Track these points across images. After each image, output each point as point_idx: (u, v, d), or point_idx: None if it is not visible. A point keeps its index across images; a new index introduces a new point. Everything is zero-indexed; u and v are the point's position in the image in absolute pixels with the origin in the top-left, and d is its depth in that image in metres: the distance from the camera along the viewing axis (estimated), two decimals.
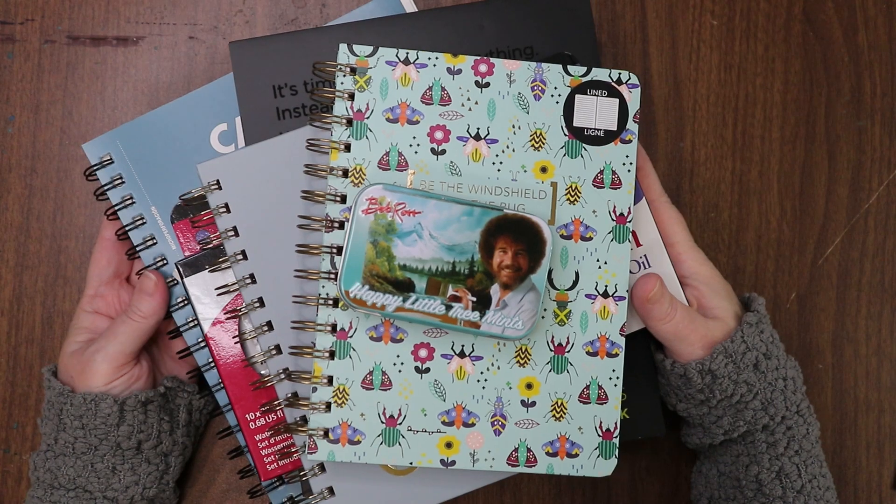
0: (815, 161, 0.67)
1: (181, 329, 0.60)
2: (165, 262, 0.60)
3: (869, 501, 0.65)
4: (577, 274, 0.54)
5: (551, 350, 0.53)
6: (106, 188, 0.60)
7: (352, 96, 0.53)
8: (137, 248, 0.60)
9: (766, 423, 0.56)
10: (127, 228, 0.60)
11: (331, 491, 0.54)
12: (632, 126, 0.54)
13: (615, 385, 0.54)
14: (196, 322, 0.58)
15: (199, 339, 0.59)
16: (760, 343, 0.56)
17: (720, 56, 0.67)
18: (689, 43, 0.67)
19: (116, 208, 0.60)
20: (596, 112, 0.54)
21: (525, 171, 0.54)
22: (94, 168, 0.60)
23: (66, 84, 0.66)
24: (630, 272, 0.58)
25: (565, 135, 0.54)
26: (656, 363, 0.58)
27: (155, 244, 0.60)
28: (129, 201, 0.60)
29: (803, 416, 0.57)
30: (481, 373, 0.53)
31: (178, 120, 0.61)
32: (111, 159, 0.60)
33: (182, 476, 0.63)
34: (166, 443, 0.59)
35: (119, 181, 0.60)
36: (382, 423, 0.52)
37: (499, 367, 0.53)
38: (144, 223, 0.60)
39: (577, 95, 0.54)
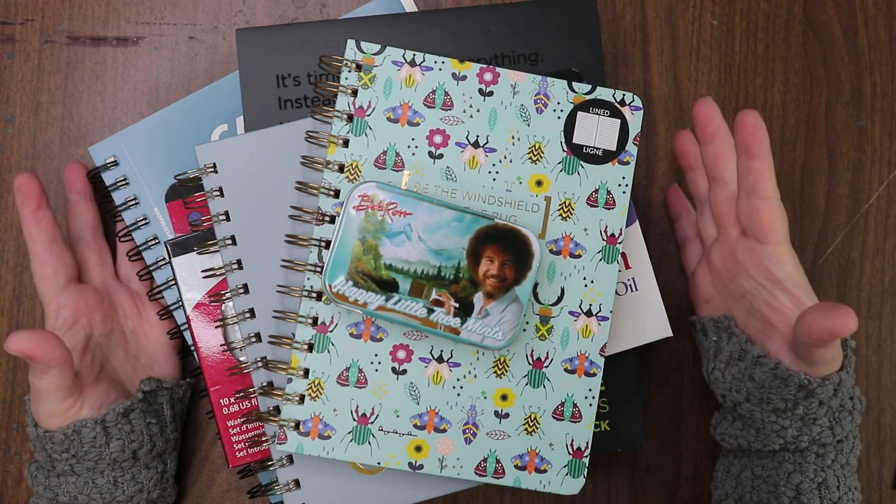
0: (815, 161, 0.67)
1: (170, 309, 0.60)
2: (167, 262, 0.60)
3: (869, 501, 0.65)
4: (562, 290, 0.54)
5: (530, 364, 0.53)
6: (110, 190, 0.61)
7: (355, 92, 0.54)
8: (139, 248, 0.61)
9: (828, 441, 0.54)
10: (130, 229, 0.61)
11: (297, 483, 0.54)
12: (631, 148, 0.54)
13: (590, 405, 0.54)
14: (180, 303, 0.58)
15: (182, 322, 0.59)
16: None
17: (720, 56, 0.67)
18: (689, 43, 0.67)
19: (120, 209, 0.61)
20: (596, 131, 0.54)
21: (520, 182, 0.54)
22: (98, 170, 0.61)
23: (66, 84, 0.66)
24: (617, 293, 0.58)
25: (564, 150, 0.54)
26: (747, 355, 0.55)
27: (157, 244, 0.61)
28: (133, 202, 0.61)
29: (853, 432, 0.55)
30: (458, 380, 0.53)
31: (181, 121, 0.61)
32: (115, 161, 0.61)
33: (182, 476, 0.63)
34: (159, 444, 0.58)
35: (123, 182, 0.61)
36: (354, 420, 0.52)
37: (475, 376, 0.53)
38: (147, 224, 0.61)
39: (579, 112, 0.54)
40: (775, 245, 0.54)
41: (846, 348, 0.54)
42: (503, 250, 0.52)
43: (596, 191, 0.54)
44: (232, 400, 0.57)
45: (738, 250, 0.56)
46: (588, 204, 0.54)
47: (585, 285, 0.54)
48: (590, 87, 0.55)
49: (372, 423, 0.52)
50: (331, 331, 0.52)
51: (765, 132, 0.53)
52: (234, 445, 0.57)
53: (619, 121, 0.55)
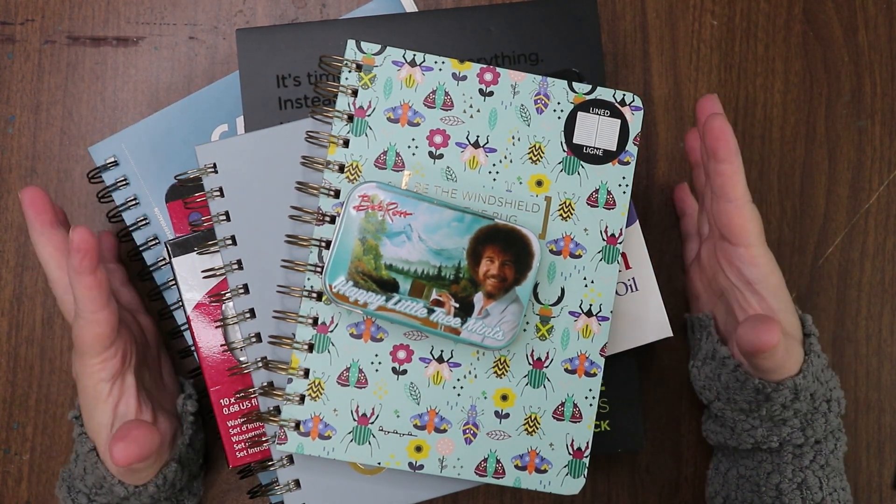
0: (815, 161, 0.67)
1: (171, 309, 0.60)
2: (167, 262, 0.60)
3: (869, 501, 0.65)
4: (562, 290, 0.54)
5: (530, 364, 0.53)
6: (110, 190, 0.61)
7: (355, 93, 0.54)
8: (140, 248, 0.61)
9: (801, 442, 0.54)
10: (130, 229, 0.61)
11: (297, 483, 0.54)
12: (631, 148, 0.55)
13: (590, 405, 0.54)
14: (180, 303, 0.58)
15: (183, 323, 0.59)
16: (820, 370, 0.54)
17: (720, 56, 0.67)
18: (689, 43, 0.67)
19: (120, 209, 0.61)
20: (597, 131, 0.54)
21: (521, 182, 0.54)
22: (98, 170, 0.61)
23: (66, 84, 0.65)
24: (617, 293, 0.58)
25: (564, 151, 0.54)
26: (717, 355, 0.55)
27: (157, 244, 0.61)
28: (133, 202, 0.61)
29: (834, 433, 0.56)
30: (458, 380, 0.53)
31: (181, 121, 0.61)
32: (115, 161, 0.61)
33: None
34: (201, 450, 0.59)
35: (123, 182, 0.61)
36: (354, 420, 0.52)
37: (476, 376, 0.53)
38: (147, 224, 0.61)
39: (579, 112, 0.54)
40: (747, 247, 0.54)
41: (809, 352, 0.54)
42: (503, 250, 0.52)
43: (596, 191, 0.54)
44: (232, 400, 0.57)
45: (717, 249, 0.56)
46: (588, 204, 0.54)
47: (586, 285, 0.54)
48: (590, 87, 0.55)
49: (372, 423, 0.52)
50: (331, 331, 0.52)
51: (731, 135, 0.52)
52: (235, 445, 0.57)
53: (619, 121, 0.55)
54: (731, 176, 0.53)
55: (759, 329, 0.49)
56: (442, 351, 0.53)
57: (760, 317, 0.50)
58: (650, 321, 0.58)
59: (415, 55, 0.54)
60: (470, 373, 0.53)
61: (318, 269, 0.52)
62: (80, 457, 0.54)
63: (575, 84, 0.55)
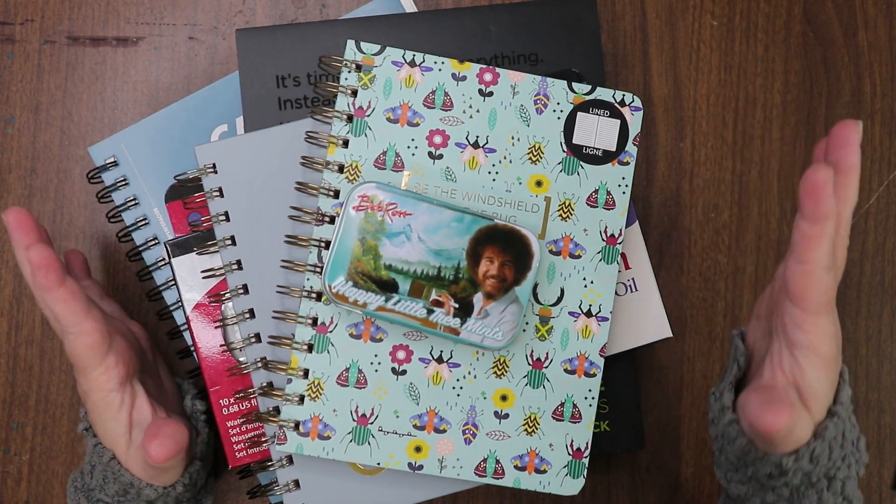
0: None
1: (170, 309, 0.60)
2: (167, 263, 0.60)
3: (869, 501, 0.65)
4: (562, 290, 0.54)
5: (529, 364, 0.53)
6: (109, 190, 0.61)
7: (355, 93, 0.54)
8: (139, 248, 0.61)
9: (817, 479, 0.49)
10: (129, 229, 0.61)
11: (296, 484, 0.54)
12: (631, 148, 0.54)
13: (590, 405, 0.54)
14: (180, 304, 0.58)
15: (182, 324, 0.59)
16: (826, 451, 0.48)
17: (720, 56, 0.67)
18: (689, 43, 0.67)
19: (119, 210, 0.61)
20: (596, 131, 0.54)
21: (520, 183, 0.54)
22: (98, 170, 0.61)
23: (66, 84, 0.65)
24: (616, 294, 0.58)
25: (563, 151, 0.54)
26: (726, 431, 0.50)
27: (157, 244, 0.61)
28: (133, 203, 0.61)
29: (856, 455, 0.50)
30: (457, 380, 0.53)
31: (181, 121, 0.61)
32: (115, 161, 0.61)
33: None
34: (213, 447, 0.59)
35: (123, 183, 0.61)
36: (354, 420, 0.52)
37: (475, 377, 0.53)
38: (147, 224, 0.61)
39: (578, 113, 0.54)
40: (802, 311, 0.46)
41: (819, 435, 0.47)
42: (503, 251, 0.52)
43: (596, 191, 0.54)
44: (231, 400, 0.57)
45: (780, 292, 0.49)
46: (588, 204, 0.54)
47: (585, 286, 0.54)
48: (590, 87, 0.54)
49: (371, 423, 0.52)
50: (330, 331, 0.52)
51: (830, 198, 0.44)
52: (234, 446, 0.57)
53: (618, 121, 0.55)
54: (811, 239, 0.45)
55: (767, 411, 0.45)
56: (441, 351, 0.53)
57: (774, 396, 0.45)
58: (650, 321, 0.58)
59: (414, 55, 0.54)
60: (469, 373, 0.53)
61: (318, 270, 0.52)
62: (97, 467, 0.53)
63: (574, 84, 0.55)
